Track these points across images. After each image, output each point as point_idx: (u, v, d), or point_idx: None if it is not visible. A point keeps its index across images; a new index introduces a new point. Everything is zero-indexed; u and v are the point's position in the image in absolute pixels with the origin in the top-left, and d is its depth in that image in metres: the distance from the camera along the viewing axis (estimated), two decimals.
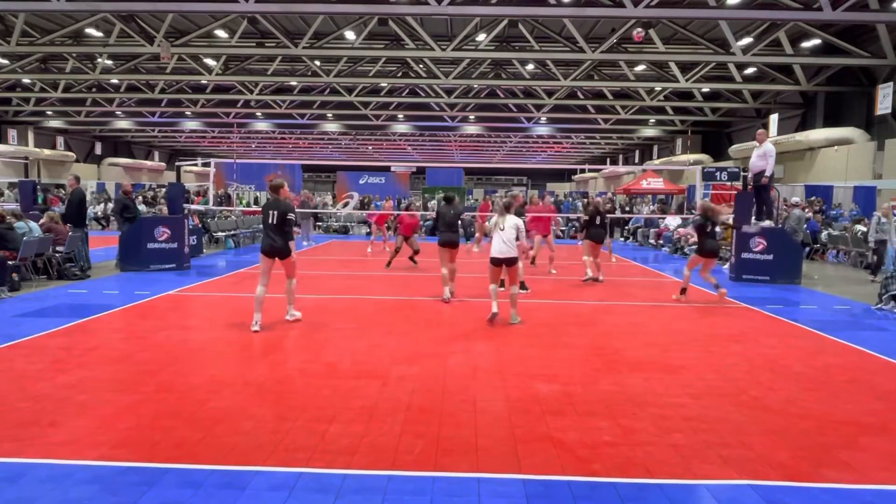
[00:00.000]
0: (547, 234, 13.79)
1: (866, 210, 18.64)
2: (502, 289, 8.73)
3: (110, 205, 24.53)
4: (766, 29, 18.43)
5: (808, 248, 15.93)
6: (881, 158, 20.46)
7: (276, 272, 7.90)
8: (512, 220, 8.23)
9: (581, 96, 28.21)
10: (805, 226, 14.97)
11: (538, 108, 29.16)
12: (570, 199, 33.82)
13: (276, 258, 7.84)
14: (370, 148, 51.67)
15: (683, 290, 10.33)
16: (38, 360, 6.13)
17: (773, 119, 26.59)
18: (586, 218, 12.35)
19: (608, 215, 13.31)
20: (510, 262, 8.18)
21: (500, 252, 8.10)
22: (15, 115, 33.43)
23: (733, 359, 6.67)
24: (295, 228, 8.80)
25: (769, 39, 18.14)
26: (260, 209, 9.57)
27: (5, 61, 23.43)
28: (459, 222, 10.41)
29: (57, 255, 11.47)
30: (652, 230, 21.91)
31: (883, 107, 19.44)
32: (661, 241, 20.48)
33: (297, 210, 9.28)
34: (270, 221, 7.81)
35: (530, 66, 24.44)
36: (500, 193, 14.24)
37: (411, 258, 14.24)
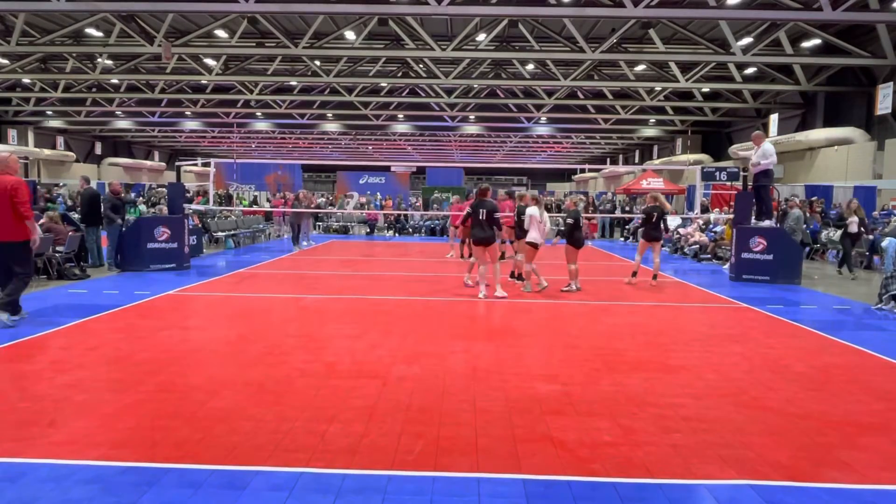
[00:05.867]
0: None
1: (867, 210, 18.62)
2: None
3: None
4: (766, 29, 18.43)
5: (807, 248, 15.92)
6: (881, 158, 20.48)
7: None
8: (545, 214, 10.46)
9: (581, 96, 28.21)
10: (805, 226, 14.96)
11: (538, 108, 29.16)
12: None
13: (484, 245, 9.86)
14: (370, 148, 51.69)
15: (634, 273, 12.06)
16: (38, 360, 6.13)
17: (773, 119, 26.59)
18: (570, 221, 11.09)
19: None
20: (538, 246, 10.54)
21: (539, 239, 10.41)
22: (15, 115, 33.46)
23: (733, 359, 6.67)
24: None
25: (769, 39, 18.15)
26: (259, 209, 10.51)
27: (5, 61, 23.45)
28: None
29: (57, 255, 11.47)
30: None
31: (883, 107, 19.45)
32: None
33: (296, 210, 9.96)
34: (481, 217, 9.75)
35: (530, 66, 24.44)
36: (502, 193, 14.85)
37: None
